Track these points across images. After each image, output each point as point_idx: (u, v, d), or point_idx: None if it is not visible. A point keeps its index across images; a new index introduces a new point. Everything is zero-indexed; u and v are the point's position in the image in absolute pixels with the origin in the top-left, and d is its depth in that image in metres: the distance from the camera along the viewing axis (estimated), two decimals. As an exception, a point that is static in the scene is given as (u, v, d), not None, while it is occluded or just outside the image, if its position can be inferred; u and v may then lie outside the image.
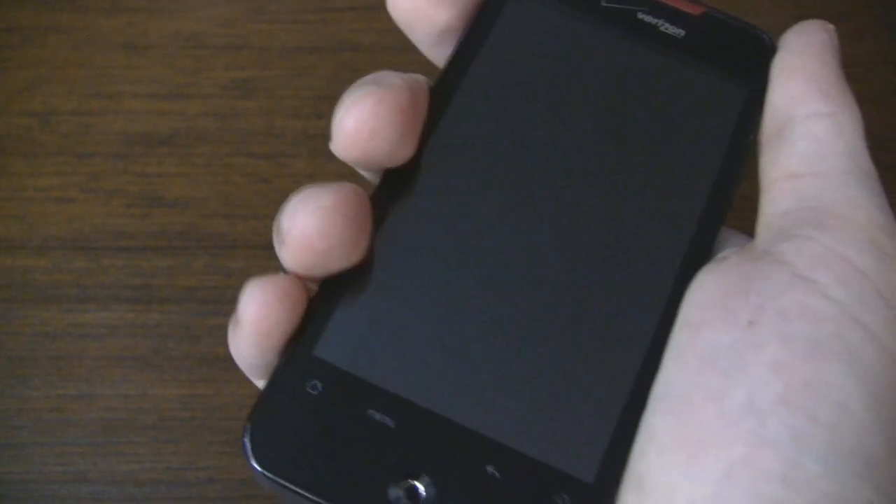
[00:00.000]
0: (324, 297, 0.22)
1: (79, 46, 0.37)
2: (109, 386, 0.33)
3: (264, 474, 0.20)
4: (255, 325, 0.21)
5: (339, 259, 0.21)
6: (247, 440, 0.20)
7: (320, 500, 0.20)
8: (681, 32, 0.24)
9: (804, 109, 0.22)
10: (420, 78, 0.23)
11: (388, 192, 0.22)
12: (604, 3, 0.24)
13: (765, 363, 0.19)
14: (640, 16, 0.24)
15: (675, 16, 0.24)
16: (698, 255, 0.22)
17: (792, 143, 0.22)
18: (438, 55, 0.24)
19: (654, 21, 0.24)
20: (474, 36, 0.24)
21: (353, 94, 0.21)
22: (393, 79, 0.22)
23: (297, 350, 0.21)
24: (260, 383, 0.22)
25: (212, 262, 0.34)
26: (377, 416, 0.20)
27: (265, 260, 0.33)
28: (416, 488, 0.20)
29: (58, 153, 0.36)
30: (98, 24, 0.38)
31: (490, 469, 0.20)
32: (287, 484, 0.20)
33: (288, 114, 0.37)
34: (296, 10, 0.38)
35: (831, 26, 0.23)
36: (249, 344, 0.21)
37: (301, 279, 0.21)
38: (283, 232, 0.21)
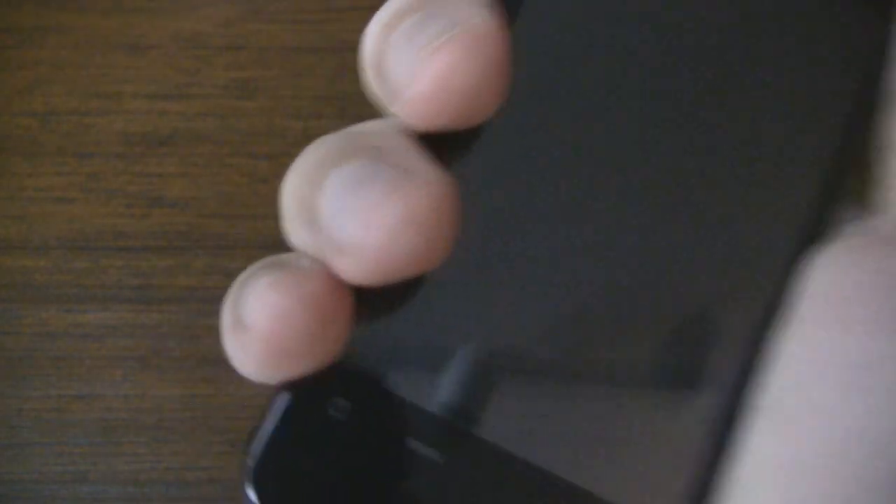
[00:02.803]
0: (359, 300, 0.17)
1: (79, 46, 0.37)
2: (109, 386, 0.33)
3: None
4: (269, 337, 0.16)
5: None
6: (250, 471, 0.16)
7: None
8: None
9: None
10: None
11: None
12: None
13: None
14: None
15: None
16: (812, 240, 0.17)
17: None
18: None
19: None
20: None
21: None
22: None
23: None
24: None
25: (212, 262, 0.34)
26: (422, 448, 0.16)
27: (265, 260, 0.33)
28: None
29: (58, 153, 0.36)
30: (98, 24, 0.38)
31: None
32: None
33: (288, 114, 0.37)
34: (296, 10, 0.38)
35: None
36: (259, 358, 0.16)
37: (328, 276, 0.16)
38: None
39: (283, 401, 0.16)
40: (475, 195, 0.17)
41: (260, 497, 0.15)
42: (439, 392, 0.16)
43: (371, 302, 0.16)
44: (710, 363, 0.17)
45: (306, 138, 0.37)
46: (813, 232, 0.17)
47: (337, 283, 0.16)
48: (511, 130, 0.17)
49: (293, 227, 0.17)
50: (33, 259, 0.34)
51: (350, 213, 0.15)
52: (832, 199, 0.18)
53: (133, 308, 0.34)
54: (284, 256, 0.17)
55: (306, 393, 0.16)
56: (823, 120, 0.18)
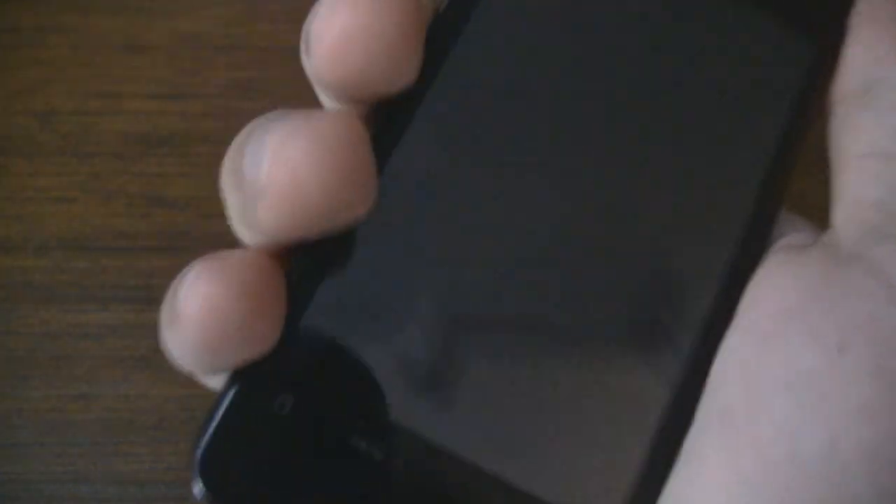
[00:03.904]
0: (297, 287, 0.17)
1: (79, 46, 0.37)
2: (109, 386, 0.33)
3: None
4: (200, 325, 0.16)
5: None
6: (197, 461, 0.16)
7: None
8: None
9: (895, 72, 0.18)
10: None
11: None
12: None
13: (853, 402, 0.16)
14: None
15: None
16: (755, 245, 0.18)
17: (879, 113, 0.18)
18: None
19: None
20: None
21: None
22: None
23: (264, 359, 0.17)
24: (211, 382, 0.18)
25: (212, 262, 0.34)
26: (363, 444, 0.16)
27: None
28: None
29: (58, 153, 0.36)
30: (98, 24, 0.38)
31: None
32: None
33: (288, 114, 0.37)
34: (296, 10, 0.38)
35: None
36: (193, 348, 0.17)
37: (260, 263, 0.16)
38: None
39: (229, 395, 0.16)
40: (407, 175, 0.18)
41: (207, 488, 0.15)
42: (380, 386, 0.16)
43: (307, 290, 0.17)
44: (653, 367, 0.17)
45: (306, 138, 0.36)
46: (758, 246, 0.18)
47: (269, 271, 0.16)
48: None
49: (227, 199, 0.17)
50: (33, 259, 0.34)
51: (263, 154, 0.16)
52: (774, 213, 0.18)
53: (133, 308, 0.34)
54: (222, 251, 0.17)
55: (251, 387, 0.16)
56: (766, 140, 0.18)
